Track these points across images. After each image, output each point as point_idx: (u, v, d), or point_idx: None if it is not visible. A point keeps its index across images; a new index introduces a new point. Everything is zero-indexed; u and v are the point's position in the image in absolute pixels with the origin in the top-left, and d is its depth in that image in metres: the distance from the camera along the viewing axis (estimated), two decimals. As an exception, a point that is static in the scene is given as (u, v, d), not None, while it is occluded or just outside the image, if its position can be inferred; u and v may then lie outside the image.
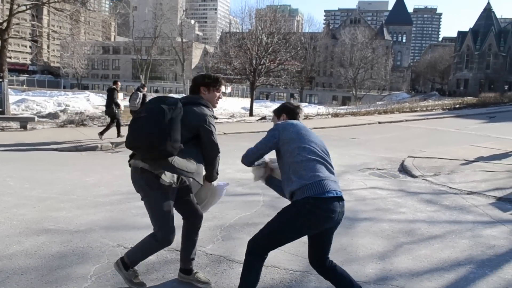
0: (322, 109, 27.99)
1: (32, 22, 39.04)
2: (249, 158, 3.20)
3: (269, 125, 16.81)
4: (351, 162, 9.56)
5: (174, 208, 3.33)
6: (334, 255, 4.17)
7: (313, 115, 23.17)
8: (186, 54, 76.41)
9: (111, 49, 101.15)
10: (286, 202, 6.02)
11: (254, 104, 28.69)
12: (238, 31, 38.20)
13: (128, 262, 3.35)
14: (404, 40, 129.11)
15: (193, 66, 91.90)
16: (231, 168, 8.46)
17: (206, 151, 3.35)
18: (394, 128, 18.41)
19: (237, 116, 23.67)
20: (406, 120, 21.53)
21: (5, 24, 21.97)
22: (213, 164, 3.42)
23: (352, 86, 75.82)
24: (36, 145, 10.84)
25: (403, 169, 8.97)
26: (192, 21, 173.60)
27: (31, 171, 7.99)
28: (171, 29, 76.64)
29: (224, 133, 14.77)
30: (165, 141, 2.97)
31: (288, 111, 3.39)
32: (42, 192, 6.31)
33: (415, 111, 28.44)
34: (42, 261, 3.88)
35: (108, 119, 13.25)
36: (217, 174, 3.53)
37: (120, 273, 3.38)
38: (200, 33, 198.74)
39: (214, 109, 3.52)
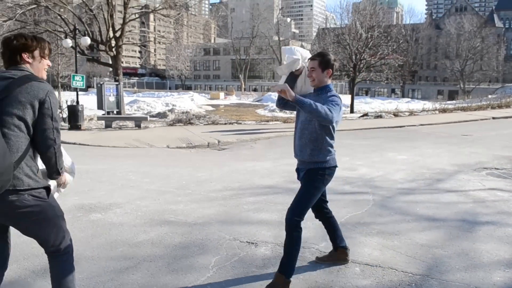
0: (427, 104, 26.51)
1: (142, 29, 42.00)
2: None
3: (374, 122, 16.23)
4: (465, 161, 8.94)
5: None
6: (456, 260, 3.95)
7: (418, 111, 22.04)
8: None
9: (212, 50, 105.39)
10: (398, 200, 5.81)
11: (354, 100, 28.07)
12: (335, 27, 37.65)
13: None
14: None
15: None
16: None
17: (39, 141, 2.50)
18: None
19: (337, 113, 23.35)
20: (525, 115, 19.62)
21: (119, 32, 23.93)
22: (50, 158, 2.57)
23: (459, 79, 70.89)
24: (151, 143, 11.69)
25: (526, 169, 8.19)
26: (288, 19, 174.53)
27: (149, 166, 8.62)
28: (268, 28, 77.92)
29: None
30: None
31: (333, 69, 3.46)
32: (161, 186, 6.78)
33: (535, 105, 25.80)
34: (166, 250, 4.16)
35: None
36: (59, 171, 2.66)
37: None
38: (296, 31, 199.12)
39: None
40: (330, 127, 3.34)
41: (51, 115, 2.50)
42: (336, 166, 3.55)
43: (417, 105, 30.35)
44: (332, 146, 3.47)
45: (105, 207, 5.62)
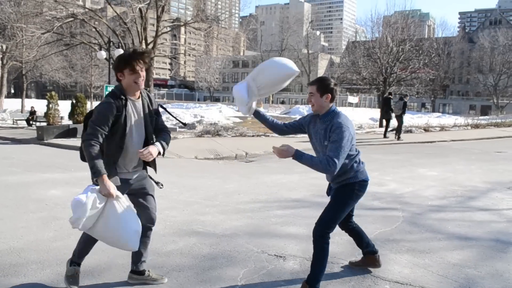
0: (459, 119, 26.01)
1: (173, 41, 42.71)
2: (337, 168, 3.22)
3: (403, 137, 15.89)
4: (499, 179, 8.71)
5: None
6: (489, 281, 3.84)
7: (450, 126, 21.63)
8: (312, 65, 77.27)
9: (241, 63, 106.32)
10: (428, 217, 5.71)
11: (383, 114, 27.75)
12: (365, 40, 37.47)
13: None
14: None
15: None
16: (365, 180, 8.29)
17: None
18: (547, 141, 16.38)
19: (366, 127, 23.12)
20: (563, 132, 18.99)
21: (151, 45, 24.48)
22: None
23: (493, 94, 69.15)
24: (179, 154, 11.84)
25: None
26: (318, 32, 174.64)
27: (177, 176, 8.74)
28: (297, 41, 78.23)
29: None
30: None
31: (333, 93, 3.41)
32: (189, 197, 6.86)
33: None
34: (195, 260, 4.20)
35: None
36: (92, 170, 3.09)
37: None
38: (326, 44, 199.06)
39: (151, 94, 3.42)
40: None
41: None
42: (366, 180, 3.58)
43: (448, 120, 29.77)
44: (357, 162, 3.50)
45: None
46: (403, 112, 16.22)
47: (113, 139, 3.20)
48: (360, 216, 5.79)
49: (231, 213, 5.90)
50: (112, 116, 3.13)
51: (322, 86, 3.38)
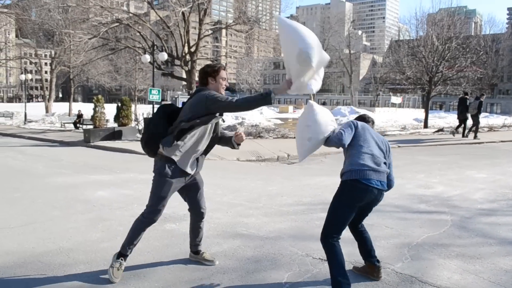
0: (509, 119, 24.95)
1: (215, 44, 43.18)
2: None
3: (449, 138, 15.53)
4: (554, 182, 8.29)
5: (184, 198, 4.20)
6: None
7: (498, 127, 20.77)
8: (353, 65, 76.09)
9: (281, 64, 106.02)
10: (478, 221, 5.52)
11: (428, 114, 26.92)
12: (409, 38, 36.54)
13: (121, 249, 3.84)
14: None
15: (360, 77, 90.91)
16: (410, 183, 8.10)
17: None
18: None
19: (410, 128, 22.55)
20: None
21: (194, 47, 24.86)
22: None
23: (545, 92, 65.85)
24: (221, 155, 11.96)
25: None
26: (360, 32, 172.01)
27: (220, 178, 8.83)
28: (338, 41, 77.22)
29: (398, 146, 14.22)
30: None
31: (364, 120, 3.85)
32: (232, 199, 6.92)
33: None
34: (239, 263, 4.22)
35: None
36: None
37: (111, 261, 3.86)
38: (368, 43, 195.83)
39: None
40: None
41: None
42: (358, 180, 3.37)
43: (497, 120, 28.56)
44: (353, 158, 3.47)
45: (179, 217, 5.80)
46: (479, 112, 16.38)
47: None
48: (407, 219, 5.67)
49: (275, 216, 5.90)
50: None
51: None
